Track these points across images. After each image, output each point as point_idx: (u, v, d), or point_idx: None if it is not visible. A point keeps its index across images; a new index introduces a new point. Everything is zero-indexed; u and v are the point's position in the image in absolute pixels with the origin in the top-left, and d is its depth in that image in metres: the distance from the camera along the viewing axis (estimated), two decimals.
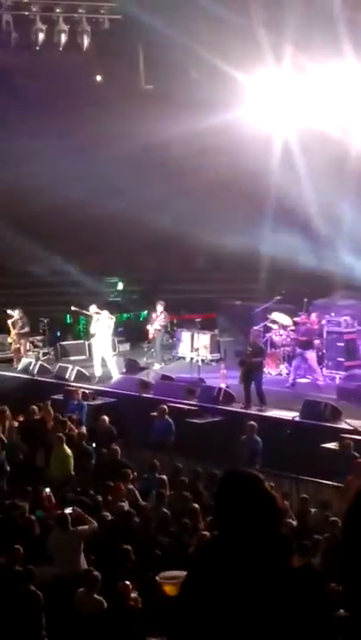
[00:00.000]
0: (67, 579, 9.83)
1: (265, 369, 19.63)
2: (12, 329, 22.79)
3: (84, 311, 22.01)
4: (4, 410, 17.16)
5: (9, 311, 22.83)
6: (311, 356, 19.40)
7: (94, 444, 15.73)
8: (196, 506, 11.75)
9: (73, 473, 14.51)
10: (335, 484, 13.78)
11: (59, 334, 25.04)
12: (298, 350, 19.57)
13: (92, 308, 21.37)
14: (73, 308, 22.83)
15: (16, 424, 16.39)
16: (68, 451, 14.56)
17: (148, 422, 17.00)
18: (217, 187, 25.49)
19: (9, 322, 22.78)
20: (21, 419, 16.86)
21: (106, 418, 16.48)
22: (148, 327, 22.56)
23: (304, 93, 22.31)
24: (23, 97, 24.52)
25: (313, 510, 12.27)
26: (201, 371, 20.58)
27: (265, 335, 20.66)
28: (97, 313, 21.21)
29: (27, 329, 22.82)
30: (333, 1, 19.81)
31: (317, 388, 19.04)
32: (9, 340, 22.92)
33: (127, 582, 9.13)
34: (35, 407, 17.05)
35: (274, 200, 24.33)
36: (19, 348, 22.70)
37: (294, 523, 11.27)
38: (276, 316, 21.08)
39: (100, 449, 15.34)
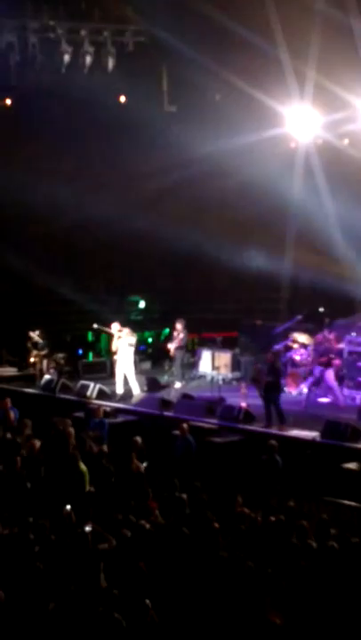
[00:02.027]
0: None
1: (285, 388, 19.73)
2: (32, 349, 22.99)
3: (106, 329, 22.16)
4: (26, 424, 17.33)
5: (31, 333, 23.05)
6: (330, 374, 19.45)
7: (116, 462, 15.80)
8: (217, 525, 11.81)
9: (92, 489, 14.58)
10: (356, 504, 13.82)
11: (81, 352, 25.21)
12: (317, 370, 19.63)
13: (115, 326, 21.52)
14: (95, 326, 22.98)
15: (37, 440, 16.50)
16: (84, 467, 14.64)
17: (169, 440, 17.09)
18: (239, 207, 25.65)
19: (29, 343, 22.99)
20: (42, 435, 16.98)
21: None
22: (169, 346, 22.68)
23: (326, 115, 22.47)
24: (48, 118, 24.80)
25: (333, 531, 12.31)
26: (221, 389, 20.67)
27: (286, 355, 20.75)
28: (119, 331, 21.37)
29: (46, 350, 23.04)
30: (354, 24, 19.91)
31: (337, 408, 19.08)
32: (31, 360, 23.11)
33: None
34: (56, 423, 17.19)
35: (295, 220, 24.49)
36: (41, 368, 22.90)
37: (314, 544, 11.31)
38: (296, 335, 21.16)
39: (125, 467, 15.37)
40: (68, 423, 17.29)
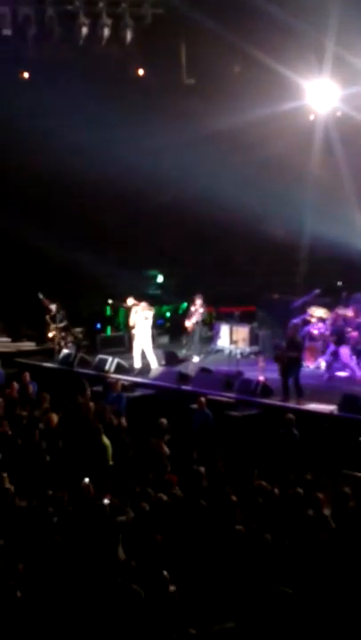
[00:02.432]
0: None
1: (303, 362, 19.72)
2: (50, 323, 23.00)
3: (122, 304, 22.16)
4: (45, 398, 17.40)
5: (49, 305, 22.93)
6: (345, 351, 19.44)
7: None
8: (234, 498, 11.87)
9: (111, 463, 14.66)
10: None
11: (99, 326, 25.25)
12: (330, 347, 19.64)
13: (130, 301, 21.51)
14: (110, 301, 22.94)
15: (55, 414, 16.57)
16: (107, 441, 14.70)
17: (187, 414, 17.13)
18: (258, 180, 25.53)
19: (47, 317, 22.99)
20: (61, 409, 17.05)
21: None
22: (186, 320, 22.68)
23: (345, 87, 22.35)
24: (66, 91, 24.70)
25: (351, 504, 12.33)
26: (239, 363, 20.67)
27: (303, 329, 20.73)
28: (135, 305, 21.34)
29: (65, 322, 23.03)
30: None
31: (355, 382, 19.09)
32: (49, 334, 23.11)
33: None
34: (77, 397, 17.28)
35: (314, 193, 24.40)
36: (58, 342, 22.92)
37: (331, 517, 11.35)
38: (314, 309, 21.13)
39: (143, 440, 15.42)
40: (87, 397, 17.36)
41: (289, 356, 18.05)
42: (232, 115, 23.14)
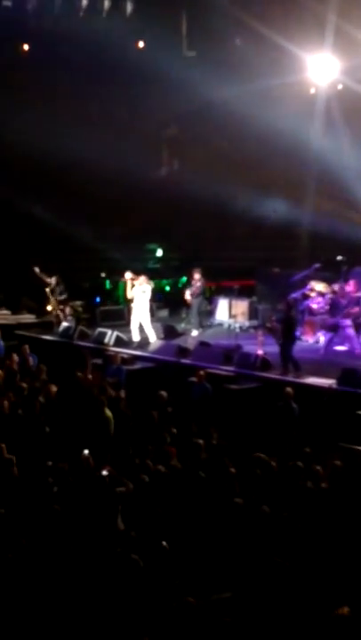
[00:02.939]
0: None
1: (302, 336, 19.75)
2: (50, 296, 23.01)
3: (118, 280, 22.14)
4: (42, 369, 17.43)
5: (36, 269, 22.83)
6: (347, 324, 19.43)
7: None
8: (233, 470, 11.93)
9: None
10: None
11: (98, 299, 25.26)
12: (340, 321, 19.61)
13: (127, 275, 21.47)
14: (103, 275, 22.87)
15: (54, 385, 16.63)
16: (110, 413, 14.75)
17: (186, 387, 17.17)
18: (258, 153, 25.49)
19: (47, 289, 22.99)
20: (60, 381, 17.09)
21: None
22: (186, 296, 22.67)
23: (347, 59, 22.25)
24: (67, 63, 24.60)
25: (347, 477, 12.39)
26: (238, 337, 20.68)
27: (303, 303, 20.73)
28: (132, 279, 21.31)
29: (65, 295, 23.03)
30: None
31: (354, 356, 19.10)
32: (48, 307, 23.13)
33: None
34: (75, 370, 17.32)
35: (315, 166, 24.35)
36: (58, 315, 22.94)
37: (327, 488, 11.41)
38: (314, 283, 21.12)
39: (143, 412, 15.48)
40: (88, 369, 17.38)
41: (282, 328, 18.05)
42: (233, 86, 23.06)
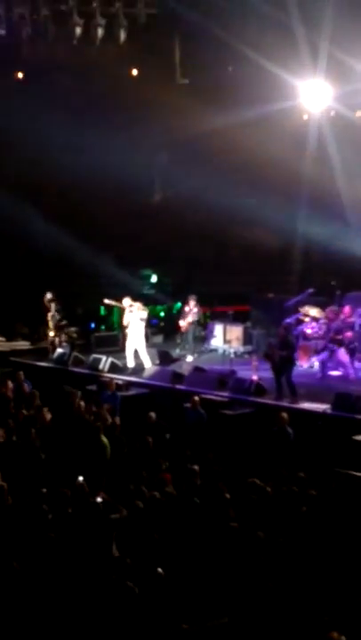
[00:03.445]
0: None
1: (296, 362, 19.78)
2: (50, 321, 22.99)
3: (117, 304, 22.16)
4: (35, 395, 17.41)
5: (47, 297, 22.91)
6: (341, 350, 19.47)
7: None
8: (228, 496, 11.91)
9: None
10: None
11: (93, 325, 25.27)
12: (328, 345, 19.66)
13: (126, 301, 21.48)
14: (106, 301, 22.92)
15: (48, 412, 16.61)
16: (105, 440, 14.73)
17: (181, 413, 17.17)
18: (251, 179, 25.58)
19: (48, 315, 22.95)
20: (53, 407, 17.07)
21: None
22: (181, 321, 22.70)
23: (339, 85, 22.40)
24: (61, 90, 24.75)
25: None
26: (233, 363, 20.70)
27: (297, 328, 20.77)
28: (130, 305, 21.35)
29: (64, 322, 23.03)
30: None
31: (348, 381, 19.12)
32: (50, 333, 23.05)
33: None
34: (69, 395, 17.29)
35: (308, 192, 24.45)
36: (53, 341, 22.93)
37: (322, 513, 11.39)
38: (308, 308, 21.16)
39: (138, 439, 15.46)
40: (76, 395, 17.34)
41: (281, 355, 18.09)
42: (226, 114, 23.19)
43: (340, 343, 19.50)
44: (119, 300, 21.93)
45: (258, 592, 9.17)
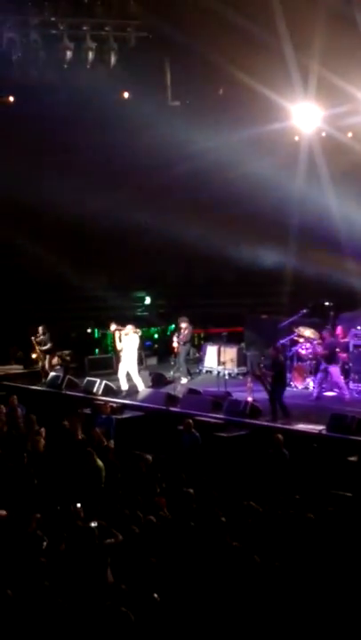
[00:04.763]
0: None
1: (291, 382, 19.74)
2: (36, 346, 22.99)
3: (106, 331, 22.14)
4: (32, 420, 17.31)
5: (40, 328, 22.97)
6: (335, 370, 19.43)
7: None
8: (223, 519, 11.81)
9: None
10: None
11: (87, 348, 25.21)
12: (322, 365, 19.63)
13: (112, 327, 21.42)
14: (113, 328, 22.69)
15: (43, 436, 16.52)
16: (100, 463, 14.64)
17: (176, 436, 17.09)
18: (243, 201, 25.62)
19: (33, 339, 22.95)
20: (49, 431, 16.98)
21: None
22: (174, 344, 22.64)
23: (330, 108, 22.46)
24: (52, 114, 24.78)
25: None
26: (227, 384, 20.65)
27: (291, 349, 20.73)
28: (118, 330, 21.26)
29: (49, 345, 22.99)
30: (358, 18, 19.89)
31: (343, 402, 19.07)
32: (33, 355, 23.08)
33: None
34: (64, 420, 17.21)
35: (299, 213, 24.50)
36: (44, 366, 22.91)
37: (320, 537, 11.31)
38: (302, 329, 21.14)
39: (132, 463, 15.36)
40: (76, 420, 17.26)
41: (272, 375, 18.07)
42: (217, 135, 23.24)
43: (332, 361, 19.43)
44: (124, 325, 21.72)
45: (255, 617, 9.07)
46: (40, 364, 23.04)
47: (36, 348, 22.99)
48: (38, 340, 22.96)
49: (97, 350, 25.26)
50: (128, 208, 24.74)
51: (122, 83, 24.61)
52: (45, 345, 22.98)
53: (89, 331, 25.05)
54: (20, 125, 24.87)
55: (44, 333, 22.93)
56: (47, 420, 17.49)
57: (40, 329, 22.96)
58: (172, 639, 8.82)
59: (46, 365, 22.89)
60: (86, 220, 25.87)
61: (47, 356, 22.98)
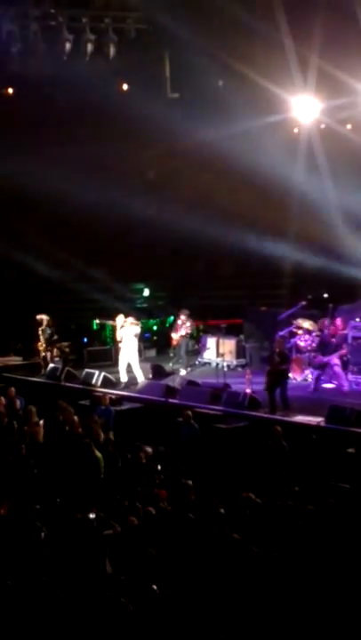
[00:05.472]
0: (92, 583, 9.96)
1: (290, 374, 19.77)
2: (41, 336, 22.93)
3: (110, 322, 22.12)
4: (31, 411, 17.34)
5: (38, 317, 22.92)
6: (335, 362, 19.46)
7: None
8: (222, 511, 11.85)
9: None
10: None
11: (85, 340, 25.22)
12: (321, 356, 19.64)
13: (119, 319, 21.40)
14: (97, 321, 22.79)
15: (42, 427, 16.54)
16: (99, 454, 14.67)
17: (175, 428, 17.12)
18: (242, 192, 25.61)
19: (39, 329, 22.89)
20: (47, 423, 17.01)
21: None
22: (173, 334, 22.65)
23: (329, 100, 22.46)
24: (51, 105, 24.76)
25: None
26: (226, 376, 20.67)
27: (290, 341, 20.76)
28: (123, 321, 21.30)
29: (56, 336, 22.96)
30: (357, 10, 19.89)
31: (342, 394, 19.10)
32: (40, 347, 22.99)
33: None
34: (61, 411, 17.24)
35: (298, 204, 24.49)
36: (46, 356, 22.86)
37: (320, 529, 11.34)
38: (300, 321, 21.16)
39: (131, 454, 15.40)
40: (70, 410, 17.28)
41: (279, 369, 18.12)
42: (217, 127, 23.23)
43: (332, 352, 19.45)
44: (113, 317, 21.81)
45: (254, 608, 9.10)
46: (42, 354, 22.97)
47: (41, 338, 22.87)
48: (43, 328, 22.79)
49: (87, 339, 25.06)
50: (127, 200, 24.72)
51: (121, 74, 24.56)
52: (53, 336, 22.86)
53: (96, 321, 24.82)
54: (19, 117, 24.85)
55: (48, 325, 22.85)
56: (46, 412, 17.53)
57: (45, 320, 22.85)
58: (170, 630, 8.84)
59: (48, 357, 22.81)
60: (85, 211, 25.84)
61: (49, 347, 22.88)
